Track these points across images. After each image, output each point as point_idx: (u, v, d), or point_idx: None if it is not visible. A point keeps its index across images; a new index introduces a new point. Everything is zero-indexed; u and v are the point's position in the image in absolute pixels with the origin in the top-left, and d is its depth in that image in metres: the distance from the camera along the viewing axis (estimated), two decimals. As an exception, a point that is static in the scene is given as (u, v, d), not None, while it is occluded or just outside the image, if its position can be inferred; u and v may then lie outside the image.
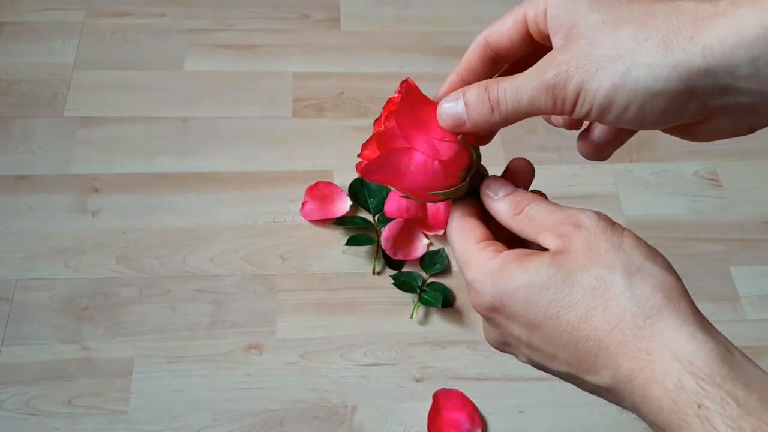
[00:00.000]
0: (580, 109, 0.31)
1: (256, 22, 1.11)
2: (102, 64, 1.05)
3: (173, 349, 0.82)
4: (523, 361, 0.35)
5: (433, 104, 0.36)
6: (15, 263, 0.87)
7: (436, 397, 0.80)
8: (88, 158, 0.96)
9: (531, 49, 0.36)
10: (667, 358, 0.28)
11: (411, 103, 0.35)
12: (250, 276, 0.88)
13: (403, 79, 0.36)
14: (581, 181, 0.98)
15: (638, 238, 0.33)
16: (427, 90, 0.37)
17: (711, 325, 0.30)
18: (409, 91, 0.35)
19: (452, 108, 0.34)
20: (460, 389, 0.81)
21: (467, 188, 0.36)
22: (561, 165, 0.99)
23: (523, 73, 0.33)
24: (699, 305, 0.31)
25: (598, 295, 0.30)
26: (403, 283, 0.86)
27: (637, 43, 0.29)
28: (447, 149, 0.34)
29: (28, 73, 1.03)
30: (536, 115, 0.33)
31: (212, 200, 0.94)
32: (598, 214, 0.33)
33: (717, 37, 0.28)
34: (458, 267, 0.35)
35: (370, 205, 0.93)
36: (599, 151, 0.37)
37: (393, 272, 0.89)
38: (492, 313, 0.33)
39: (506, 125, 0.34)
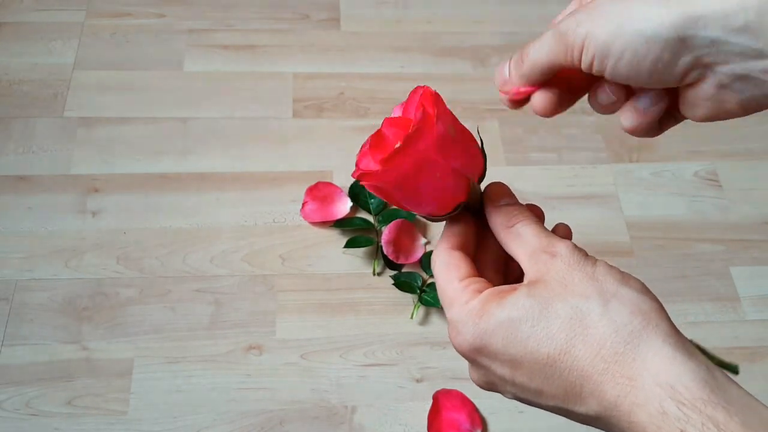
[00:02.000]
0: (585, 57, 0.32)
1: (256, 22, 1.11)
2: (102, 64, 1.05)
3: (173, 349, 0.82)
4: (510, 398, 0.35)
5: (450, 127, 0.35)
6: (15, 263, 0.87)
7: (436, 397, 0.80)
8: (88, 158, 0.96)
9: None
10: (649, 383, 0.28)
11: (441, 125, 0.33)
12: (250, 276, 0.88)
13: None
14: (581, 181, 0.98)
15: (611, 266, 0.33)
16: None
17: (691, 345, 0.30)
18: (438, 109, 0.33)
19: (500, 68, 0.37)
20: (460, 389, 0.81)
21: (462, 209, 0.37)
22: (561, 165, 0.99)
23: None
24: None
25: (576, 324, 0.30)
26: (403, 283, 0.86)
27: None
28: (451, 183, 0.35)
29: (28, 73, 1.03)
30: (557, 66, 0.34)
31: (212, 200, 0.94)
32: (574, 245, 0.34)
33: None
34: (441, 302, 0.35)
35: (370, 206, 0.93)
36: (642, 119, 0.36)
37: (393, 273, 0.89)
38: (474, 354, 0.33)
39: (536, 77, 0.35)
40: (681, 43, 0.30)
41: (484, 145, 0.38)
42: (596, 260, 0.33)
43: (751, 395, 0.28)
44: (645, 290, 0.32)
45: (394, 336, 0.85)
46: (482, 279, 0.35)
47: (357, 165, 0.35)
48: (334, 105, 1.03)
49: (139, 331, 0.83)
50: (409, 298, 0.88)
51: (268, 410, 0.79)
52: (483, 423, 0.80)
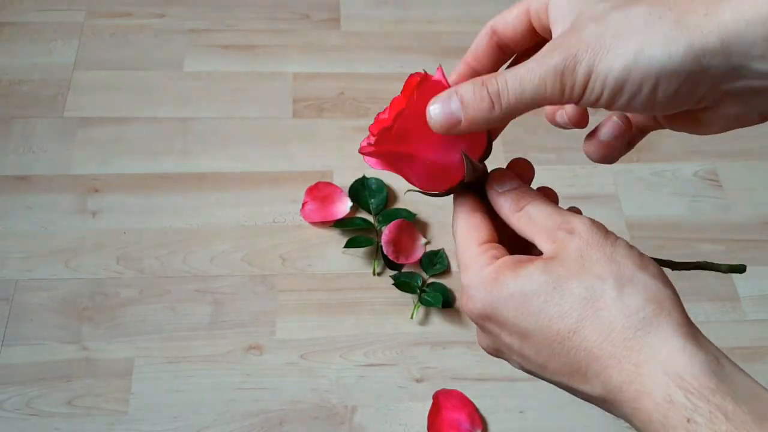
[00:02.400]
0: (590, 94, 0.30)
1: (256, 22, 1.11)
2: (102, 64, 1.05)
3: (173, 349, 0.82)
4: (516, 368, 0.35)
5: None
6: (15, 263, 0.87)
7: (436, 397, 0.80)
8: (88, 158, 0.96)
9: (534, 42, 0.36)
10: (657, 371, 0.28)
11: (421, 101, 0.33)
12: (250, 276, 0.88)
13: (403, 78, 0.35)
14: (581, 181, 0.98)
15: (631, 247, 0.32)
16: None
17: (702, 335, 0.30)
18: (423, 82, 0.33)
19: (444, 108, 0.31)
20: (460, 389, 0.81)
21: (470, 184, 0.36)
22: (561, 165, 0.99)
23: (524, 62, 0.31)
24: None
25: (589, 305, 0.30)
26: (403, 283, 0.86)
27: (651, 23, 0.29)
28: (447, 159, 0.34)
29: (28, 73, 1.03)
30: (541, 105, 0.31)
31: (212, 200, 0.94)
32: (593, 221, 0.33)
33: (732, 13, 0.28)
34: (457, 262, 0.35)
35: (371, 205, 0.93)
36: (607, 152, 0.36)
37: (393, 273, 0.89)
38: (484, 321, 0.33)
39: (507, 121, 0.32)
40: (703, 73, 0.29)
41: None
42: (616, 239, 0.32)
43: (759, 384, 0.28)
44: (662, 276, 0.31)
45: (394, 336, 0.85)
46: (500, 246, 0.34)
47: (368, 139, 0.34)
48: (334, 105, 1.03)
49: (139, 331, 0.83)
50: (409, 298, 0.88)
51: (268, 410, 0.79)
52: (483, 423, 0.80)
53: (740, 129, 0.33)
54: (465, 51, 0.38)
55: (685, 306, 0.31)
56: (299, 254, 0.90)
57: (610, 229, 0.33)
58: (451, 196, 0.37)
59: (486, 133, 0.36)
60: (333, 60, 1.08)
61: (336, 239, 0.91)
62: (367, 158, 0.34)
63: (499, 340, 0.33)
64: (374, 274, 0.89)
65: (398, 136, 0.33)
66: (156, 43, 1.08)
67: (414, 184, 0.36)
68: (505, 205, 0.35)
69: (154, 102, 1.02)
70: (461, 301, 0.34)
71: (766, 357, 0.86)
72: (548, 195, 0.36)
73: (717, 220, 0.97)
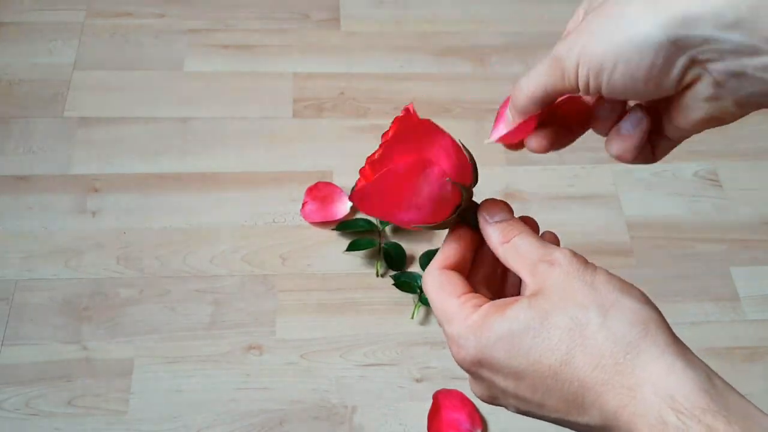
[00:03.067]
0: (581, 78, 0.32)
1: (256, 22, 1.11)
2: (102, 64, 1.05)
3: (173, 349, 0.82)
4: (513, 412, 0.35)
5: (431, 135, 0.35)
6: (15, 263, 0.87)
7: (436, 397, 0.80)
8: (88, 158, 0.96)
9: None
10: (648, 393, 0.28)
11: (407, 134, 0.34)
12: (250, 276, 0.88)
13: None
14: (581, 181, 0.98)
15: (611, 275, 0.32)
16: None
17: (691, 353, 0.30)
18: (406, 119, 0.35)
19: (502, 117, 0.36)
20: (460, 389, 0.81)
21: (455, 221, 0.37)
22: (561, 165, 0.99)
23: None
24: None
25: (576, 335, 0.30)
26: (403, 283, 0.86)
27: (628, 4, 0.30)
28: (438, 188, 0.35)
29: (28, 73, 1.03)
30: (554, 92, 0.33)
31: (212, 200, 0.94)
32: (573, 253, 0.33)
33: None
34: (438, 321, 0.35)
35: (370, 205, 0.92)
36: (627, 145, 0.36)
37: (393, 273, 0.89)
38: (476, 368, 0.33)
39: (532, 106, 0.34)
40: (673, 45, 0.30)
41: (472, 153, 0.37)
42: (596, 268, 0.33)
43: (750, 403, 0.28)
44: (644, 300, 0.32)
45: (394, 336, 0.85)
46: (479, 295, 0.35)
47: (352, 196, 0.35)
48: (334, 105, 1.03)
49: (139, 331, 0.83)
50: (409, 298, 0.88)
51: (268, 410, 0.79)
52: (483, 423, 0.80)
53: (740, 129, 0.33)
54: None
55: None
56: (299, 254, 0.90)
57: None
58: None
59: (471, 163, 0.37)
60: (333, 60, 1.08)
61: (336, 239, 0.91)
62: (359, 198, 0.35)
63: (493, 385, 0.33)
64: (377, 276, 0.89)
65: (379, 191, 0.34)
66: (156, 43, 1.08)
67: (398, 224, 0.37)
68: (494, 235, 0.36)
69: (154, 102, 1.02)
70: (451, 352, 0.34)
71: (766, 357, 0.86)
72: (528, 224, 0.37)
73: (717, 220, 0.97)
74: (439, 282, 0.35)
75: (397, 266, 0.89)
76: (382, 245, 0.89)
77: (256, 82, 1.05)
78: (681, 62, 0.30)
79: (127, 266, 0.88)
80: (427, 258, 0.89)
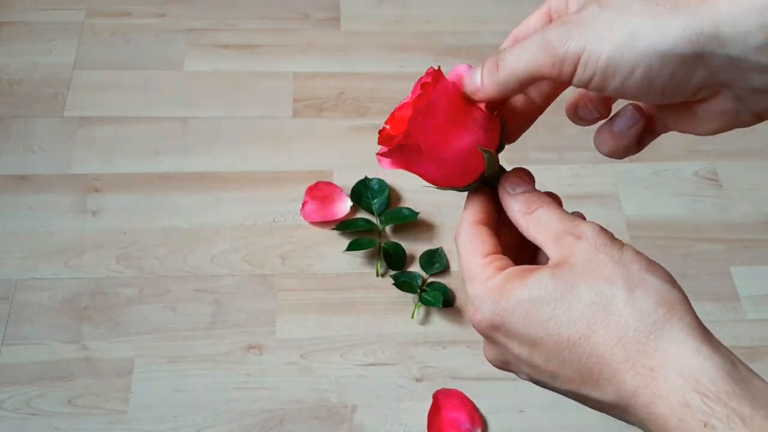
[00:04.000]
0: (582, 74, 0.30)
1: (256, 22, 1.11)
2: (102, 64, 1.05)
3: (173, 349, 0.82)
4: (524, 379, 0.34)
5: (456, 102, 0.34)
6: (15, 263, 0.87)
7: (436, 397, 0.80)
8: (88, 158, 0.96)
9: None
10: (672, 375, 0.28)
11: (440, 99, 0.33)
12: (250, 276, 0.88)
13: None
14: (581, 181, 0.98)
15: (638, 252, 0.32)
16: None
17: (715, 338, 0.29)
18: (436, 82, 0.33)
19: (471, 75, 0.34)
20: (460, 389, 0.81)
21: (479, 186, 0.36)
22: (561, 165, 0.99)
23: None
24: (699, 305, 0.31)
25: (599, 310, 0.29)
26: (403, 283, 0.86)
27: (647, 7, 0.29)
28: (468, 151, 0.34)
29: (28, 73, 1.03)
30: (538, 77, 0.32)
31: (212, 200, 0.94)
32: (600, 227, 0.32)
33: (729, 1, 0.28)
34: (461, 276, 0.34)
35: (373, 206, 0.92)
36: (619, 144, 0.35)
37: (393, 273, 0.89)
38: (492, 332, 0.33)
39: (511, 88, 0.33)
40: (698, 59, 0.28)
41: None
42: (623, 244, 0.32)
43: None
44: (671, 280, 0.31)
45: (394, 336, 0.85)
46: (505, 257, 0.34)
47: (380, 141, 0.34)
48: (334, 105, 1.03)
49: (139, 330, 0.83)
50: (409, 298, 0.88)
51: (268, 410, 0.79)
52: (483, 423, 0.80)
53: (740, 129, 0.33)
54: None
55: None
56: (299, 254, 0.90)
57: (610, 229, 0.33)
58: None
59: (499, 129, 0.36)
60: (333, 60, 1.08)
61: (336, 239, 0.91)
62: (382, 160, 0.34)
63: (507, 350, 0.33)
64: (377, 275, 0.89)
65: (413, 145, 0.33)
66: (156, 43, 1.08)
67: (430, 182, 0.36)
68: (515, 207, 0.35)
69: (154, 102, 1.02)
70: (467, 313, 0.34)
71: (766, 357, 0.86)
72: (553, 199, 0.36)
73: (717, 219, 0.97)
74: (471, 236, 0.34)
75: (397, 266, 0.89)
76: (382, 245, 0.89)
77: (256, 82, 1.05)
78: (703, 75, 0.29)
79: (127, 266, 0.88)
80: (427, 258, 0.89)
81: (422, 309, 0.87)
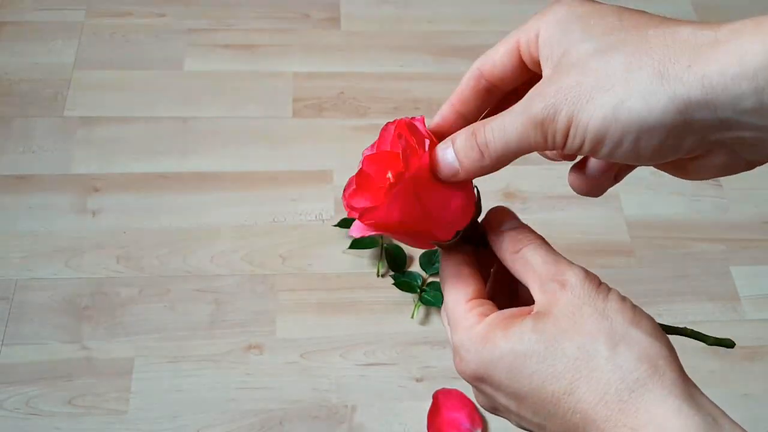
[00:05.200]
0: (572, 143, 0.29)
1: (256, 22, 1.11)
2: (102, 64, 1.05)
3: (173, 349, 0.82)
4: (515, 425, 0.34)
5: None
6: (15, 263, 0.87)
7: (436, 396, 0.80)
8: (88, 158, 0.96)
9: (525, 78, 0.34)
10: None
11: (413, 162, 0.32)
12: (250, 276, 0.88)
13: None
14: (581, 181, 0.98)
15: (623, 299, 0.31)
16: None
17: (699, 392, 0.29)
18: (406, 150, 0.32)
19: (442, 158, 0.33)
20: (460, 389, 0.81)
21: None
22: (561, 165, 0.99)
23: (509, 109, 0.31)
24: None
25: (582, 365, 0.29)
26: (403, 283, 0.86)
27: (630, 72, 0.28)
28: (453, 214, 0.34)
29: (28, 73, 1.03)
30: (528, 152, 0.31)
31: (212, 200, 0.94)
32: (586, 273, 0.32)
33: (717, 66, 0.26)
34: (445, 320, 0.34)
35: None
36: (593, 187, 0.35)
37: (394, 273, 0.89)
38: (477, 382, 0.33)
39: (499, 167, 0.32)
40: (687, 126, 0.27)
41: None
42: (609, 291, 0.31)
43: None
44: (656, 332, 0.30)
45: (394, 336, 0.85)
46: (489, 302, 0.34)
47: (349, 206, 0.33)
48: (334, 105, 1.03)
49: (139, 330, 0.83)
50: (409, 298, 0.88)
51: (268, 410, 0.79)
52: (483, 422, 0.80)
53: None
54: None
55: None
56: (299, 254, 0.90)
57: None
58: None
59: (474, 194, 0.35)
60: (333, 60, 1.08)
61: (336, 239, 0.91)
62: (354, 227, 0.34)
63: (494, 400, 0.33)
64: (378, 276, 0.89)
65: (387, 214, 0.32)
66: (156, 43, 1.08)
67: (408, 244, 0.35)
68: (503, 245, 0.34)
69: (155, 102, 1.02)
70: (453, 362, 0.34)
71: (766, 357, 0.86)
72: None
73: (717, 220, 0.97)
74: (455, 278, 0.34)
75: (398, 266, 0.89)
76: (384, 245, 0.89)
77: (256, 82, 1.05)
78: (692, 140, 0.29)
79: (127, 266, 0.88)
80: (426, 258, 0.89)
81: (422, 309, 0.87)
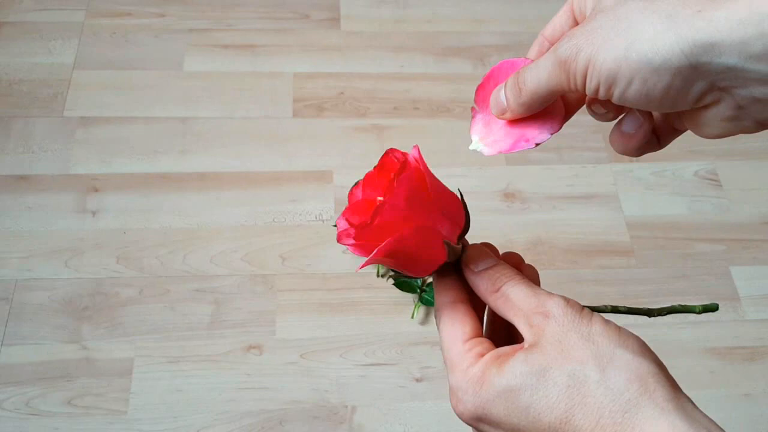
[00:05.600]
0: (590, 84, 0.31)
1: (256, 22, 1.11)
2: (102, 64, 1.05)
3: (173, 349, 0.82)
4: None
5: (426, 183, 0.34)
6: (15, 263, 0.87)
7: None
8: (88, 158, 0.96)
9: None
10: None
11: (401, 189, 0.33)
12: (250, 276, 0.88)
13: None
14: (581, 181, 0.98)
15: (607, 323, 0.32)
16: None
17: (692, 405, 0.30)
18: (402, 170, 0.33)
19: (496, 96, 0.35)
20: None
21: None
22: (561, 165, 0.99)
23: (546, 52, 0.33)
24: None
25: (574, 392, 0.30)
26: (403, 283, 0.86)
27: (644, 16, 0.29)
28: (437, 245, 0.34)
29: (28, 73, 1.03)
30: (559, 92, 0.33)
31: (212, 200, 0.94)
32: (567, 301, 0.32)
33: (725, 10, 0.27)
34: (443, 359, 0.35)
35: (370, 205, 0.92)
36: (628, 144, 0.36)
37: (393, 273, 0.89)
38: (476, 423, 0.33)
39: (537, 105, 0.34)
40: (694, 70, 0.28)
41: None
42: (592, 316, 0.32)
43: None
44: (643, 351, 0.31)
45: (394, 336, 0.85)
46: (485, 340, 0.34)
47: (339, 237, 0.34)
48: (334, 105, 1.03)
49: (139, 330, 0.83)
50: (409, 298, 0.88)
51: (268, 410, 0.79)
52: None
53: (740, 129, 0.33)
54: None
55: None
56: (299, 254, 0.90)
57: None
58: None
59: (464, 208, 0.36)
60: (333, 60, 1.08)
61: (336, 238, 0.91)
62: (345, 244, 0.34)
63: None
64: (378, 276, 0.89)
65: (378, 230, 0.33)
66: (156, 43, 1.08)
67: (395, 270, 0.36)
68: (482, 285, 0.35)
69: (154, 102, 1.02)
70: (451, 403, 0.34)
71: (766, 357, 0.86)
72: (512, 260, 0.36)
73: (717, 220, 0.97)
74: (452, 317, 0.35)
75: (397, 266, 0.89)
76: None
77: (256, 82, 1.05)
78: (700, 86, 0.29)
79: (127, 266, 0.88)
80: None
81: (422, 309, 0.87)
